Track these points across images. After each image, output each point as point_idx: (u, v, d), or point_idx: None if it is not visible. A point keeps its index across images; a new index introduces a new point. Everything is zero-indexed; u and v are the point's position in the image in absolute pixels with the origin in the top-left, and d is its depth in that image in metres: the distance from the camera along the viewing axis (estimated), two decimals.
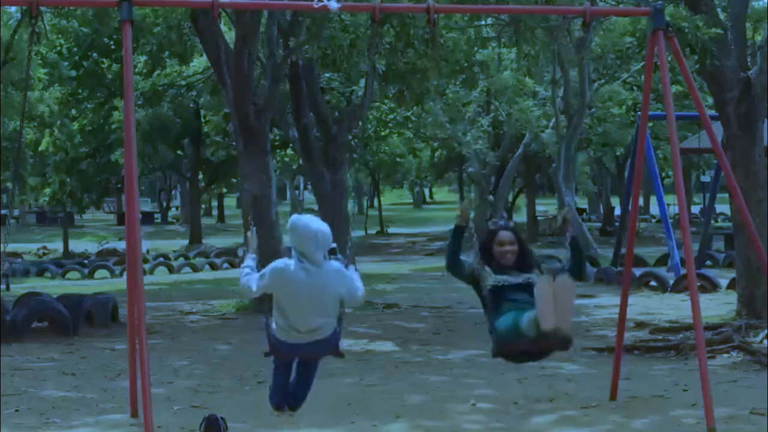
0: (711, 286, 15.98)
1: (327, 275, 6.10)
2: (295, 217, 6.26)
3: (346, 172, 22.89)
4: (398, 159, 41.10)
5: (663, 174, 34.60)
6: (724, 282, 15.97)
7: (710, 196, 23.54)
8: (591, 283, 19.23)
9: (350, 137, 21.94)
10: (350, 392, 8.47)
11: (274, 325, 6.18)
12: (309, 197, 51.53)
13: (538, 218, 40.99)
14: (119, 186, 38.19)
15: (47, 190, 39.58)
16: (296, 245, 6.12)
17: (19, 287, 19.78)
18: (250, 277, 6.15)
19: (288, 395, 6.43)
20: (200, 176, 41.65)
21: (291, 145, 27.31)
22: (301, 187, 59.08)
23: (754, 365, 9.50)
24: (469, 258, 6.51)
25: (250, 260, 6.27)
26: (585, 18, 7.22)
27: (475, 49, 20.96)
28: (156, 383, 7.95)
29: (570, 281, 5.92)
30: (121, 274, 25.62)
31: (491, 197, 34.80)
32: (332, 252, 6.25)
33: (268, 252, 11.73)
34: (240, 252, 30.83)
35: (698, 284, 7.72)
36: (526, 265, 6.44)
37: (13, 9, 19.61)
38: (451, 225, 6.76)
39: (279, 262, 6.15)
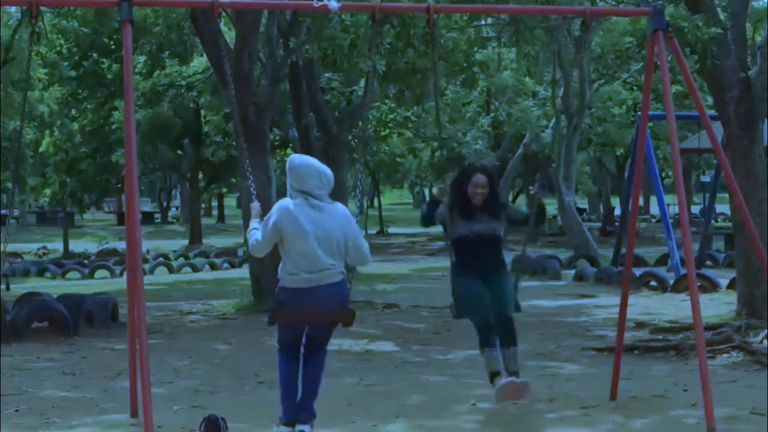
0: (711, 286, 15.98)
1: (334, 213, 6.05)
2: (293, 156, 6.25)
3: (347, 172, 22.88)
4: (398, 159, 41.10)
5: (663, 174, 34.58)
6: (724, 282, 15.96)
7: (710, 196, 23.55)
8: (591, 283, 19.25)
9: (350, 137, 21.93)
10: (350, 392, 8.46)
11: (281, 272, 6.06)
12: None
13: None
14: (119, 186, 38.19)
15: (47, 190, 39.58)
16: (298, 185, 6.05)
17: (19, 287, 19.78)
18: (256, 233, 6.12)
19: (298, 395, 6.30)
20: (200, 176, 41.64)
21: (291, 145, 27.31)
22: None
23: (754, 365, 9.50)
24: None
25: (255, 223, 6.24)
26: (585, 18, 7.22)
27: (475, 49, 20.96)
28: (156, 383, 7.95)
29: (526, 389, 6.96)
30: (121, 274, 25.62)
31: None
32: None
33: None
34: (240, 252, 30.87)
35: (698, 284, 7.73)
36: (495, 208, 7.18)
37: (13, 9, 19.61)
38: None
39: (283, 201, 6.08)
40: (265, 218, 6.08)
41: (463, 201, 7.15)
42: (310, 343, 6.35)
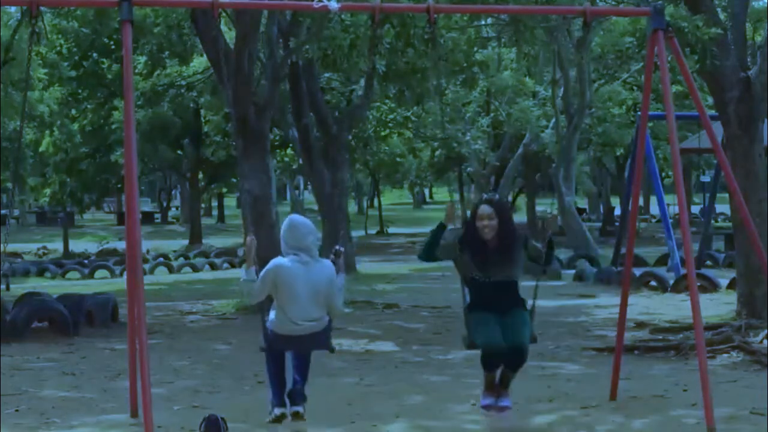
0: (711, 286, 15.98)
1: (322, 269, 6.69)
2: (294, 215, 6.89)
3: (346, 172, 22.87)
4: (398, 159, 41.10)
5: (663, 174, 34.58)
6: (724, 282, 15.97)
7: (710, 196, 23.54)
8: (591, 283, 19.25)
9: (350, 137, 21.93)
10: (350, 392, 8.47)
11: (270, 320, 6.68)
12: (309, 197, 51.52)
13: (538, 218, 40.98)
14: (119, 186, 38.18)
15: (47, 190, 39.57)
16: (294, 241, 6.66)
17: (19, 287, 19.78)
18: (252, 285, 6.65)
19: (286, 389, 6.78)
20: (200, 176, 41.65)
21: (291, 145, 27.31)
22: (301, 187, 59.04)
23: (754, 365, 9.50)
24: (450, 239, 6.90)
25: (250, 274, 6.68)
26: (585, 18, 7.21)
27: (475, 49, 20.96)
28: (156, 383, 7.95)
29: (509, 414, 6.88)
30: (121, 274, 25.62)
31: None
32: (337, 255, 6.89)
33: (267, 251, 11.70)
34: (240, 252, 30.85)
35: (698, 284, 7.74)
36: (509, 241, 6.73)
37: (13, 9, 19.60)
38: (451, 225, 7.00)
39: (276, 260, 6.68)
40: (262, 273, 6.63)
41: (475, 240, 6.72)
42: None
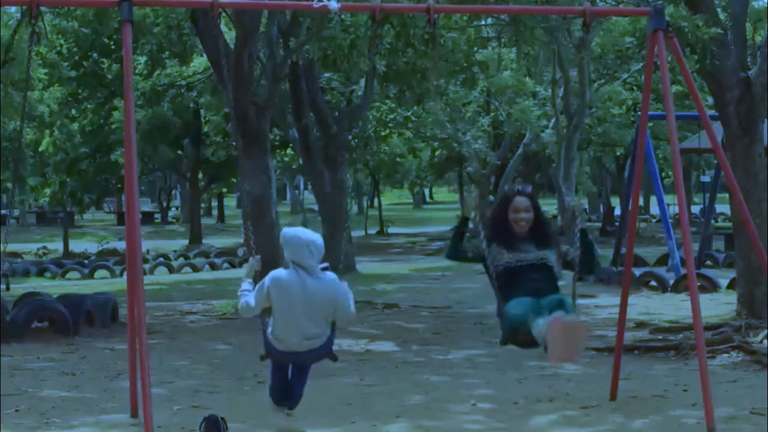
0: (711, 286, 15.98)
1: (322, 285, 6.24)
2: (285, 229, 6.43)
3: (346, 172, 22.86)
4: (398, 159, 41.06)
5: (663, 174, 34.58)
6: (724, 282, 15.97)
7: (710, 196, 23.53)
8: (591, 283, 19.25)
9: (350, 137, 21.91)
10: (350, 392, 8.47)
11: (270, 333, 6.30)
12: (309, 197, 51.55)
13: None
14: (119, 186, 38.18)
15: (47, 190, 39.56)
16: (290, 255, 6.26)
17: (19, 287, 19.77)
18: (248, 295, 6.28)
19: (286, 392, 6.52)
20: (200, 176, 41.65)
21: (291, 145, 27.32)
22: (301, 187, 59.02)
23: (754, 365, 9.51)
24: (474, 239, 6.33)
25: (247, 284, 6.36)
26: (585, 18, 7.21)
27: (475, 49, 20.97)
28: (156, 383, 7.95)
29: (580, 325, 5.79)
30: (121, 274, 25.61)
31: (492, 197, 34.81)
32: (324, 270, 6.38)
33: (267, 251, 11.72)
34: (240, 252, 30.89)
35: (698, 284, 7.74)
36: (542, 237, 6.24)
37: (13, 9, 19.60)
38: (450, 224, 6.93)
39: (276, 272, 6.30)
40: (258, 285, 6.27)
41: (504, 231, 6.18)
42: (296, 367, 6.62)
